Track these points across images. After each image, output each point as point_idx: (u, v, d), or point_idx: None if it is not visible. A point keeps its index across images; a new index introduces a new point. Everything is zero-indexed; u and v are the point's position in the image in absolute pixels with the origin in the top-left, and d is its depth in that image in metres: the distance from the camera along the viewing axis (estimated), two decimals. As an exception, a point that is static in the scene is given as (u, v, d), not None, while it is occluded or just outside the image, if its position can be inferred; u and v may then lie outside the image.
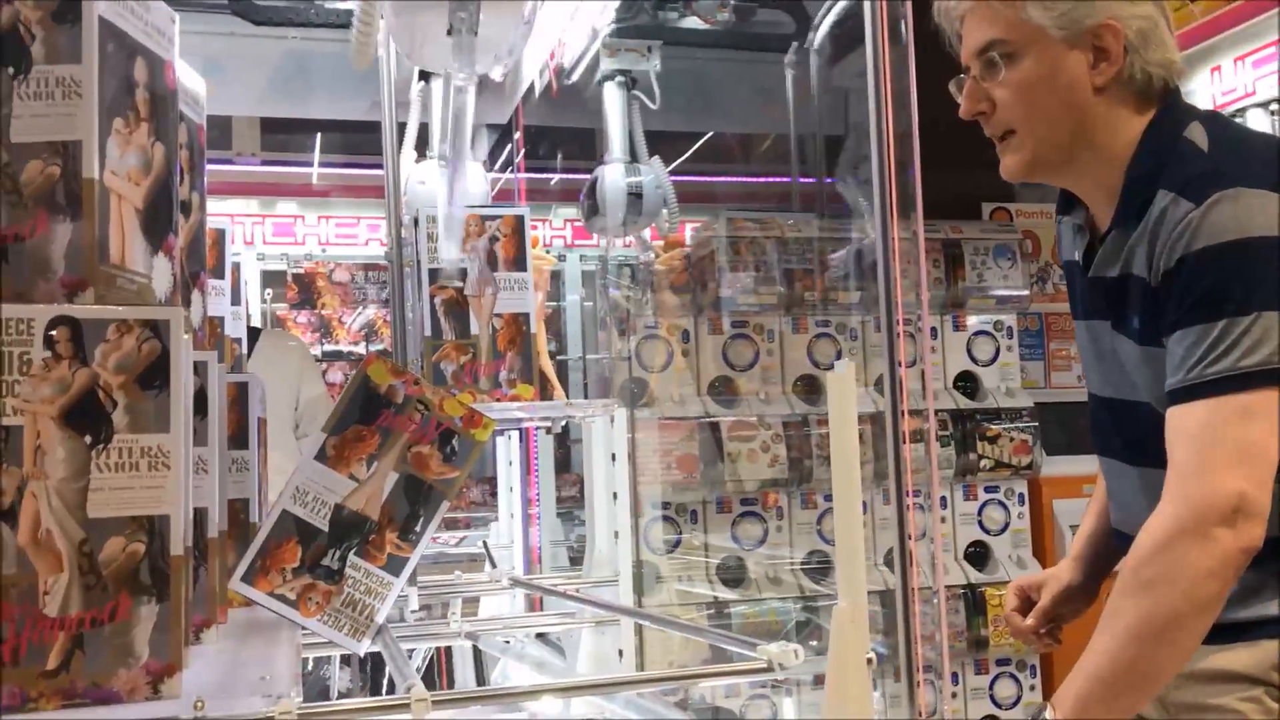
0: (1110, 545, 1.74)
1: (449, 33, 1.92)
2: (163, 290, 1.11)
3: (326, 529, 1.35)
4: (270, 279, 6.43)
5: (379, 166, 2.41)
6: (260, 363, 3.57)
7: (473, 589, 2.64)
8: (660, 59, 3.35)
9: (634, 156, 3.35)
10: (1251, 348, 1.37)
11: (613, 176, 3.29)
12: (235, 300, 1.73)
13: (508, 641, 2.59)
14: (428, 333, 2.12)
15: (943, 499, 3.53)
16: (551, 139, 5.35)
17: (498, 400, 2.11)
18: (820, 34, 3.68)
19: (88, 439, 0.97)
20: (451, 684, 3.73)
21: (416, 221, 2.19)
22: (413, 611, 2.25)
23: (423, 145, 2.97)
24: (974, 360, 3.70)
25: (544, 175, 5.70)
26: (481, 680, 3.18)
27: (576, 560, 3.79)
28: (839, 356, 3.51)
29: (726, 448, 3.34)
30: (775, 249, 3.50)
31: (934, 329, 3.64)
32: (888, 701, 2.86)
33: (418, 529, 1.37)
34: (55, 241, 1.00)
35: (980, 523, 3.60)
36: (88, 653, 0.97)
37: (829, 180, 3.99)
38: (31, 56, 1.01)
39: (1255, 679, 1.45)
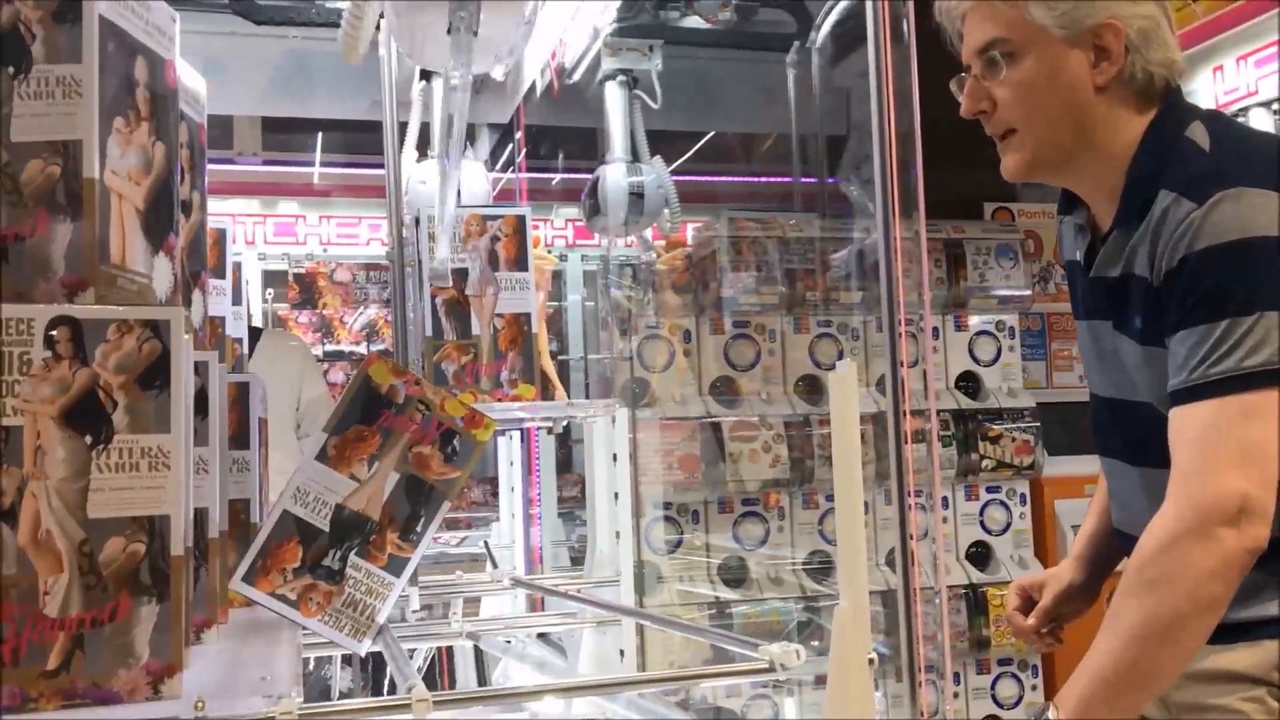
0: (1112, 545, 1.74)
1: (449, 31, 1.91)
2: (163, 290, 1.11)
3: (327, 529, 1.35)
4: (271, 279, 6.43)
5: (380, 166, 2.40)
6: (262, 362, 3.57)
7: (474, 589, 2.64)
8: (662, 58, 3.35)
9: (636, 156, 3.35)
10: (1254, 348, 1.37)
11: (614, 176, 3.29)
12: (236, 300, 1.73)
13: (509, 641, 2.59)
14: (429, 333, 2.12)
15: (944, 499, 3.53)
16: (553, 138, 5.35)
17: (499, 400, 2.11)
18: (822, 33, 3.67)
19: (88, 439, 0.97)
20: (453, 684, 3.73)
21: (418, 221, 2.18)
22: (414, 611, 2.25)
23: (424, 145, 2.97)
24: (976, 360, 3.70)
25: (545, 175, 5.70)
26: (483, 680, 3.18)
27: (578, 560, 3.79)
28: (841, 356, 3.50)
29: (728, 448, 3.33)
30: (777, 249, 3.49)
31: (936, 329, 3.64)
32: (889, 701, 2.86)
33: (419, 529, 1.37)
34: (55, 241, 1.00)
35: (982, 523, 3.60)
36: (88, 653, 0.97)
37: (831, 180, 3.98)
38: (32, 56, 1.01)
39: (1257, 679, 1.45)
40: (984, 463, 3.57)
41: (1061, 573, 1.81)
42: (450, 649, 3.63)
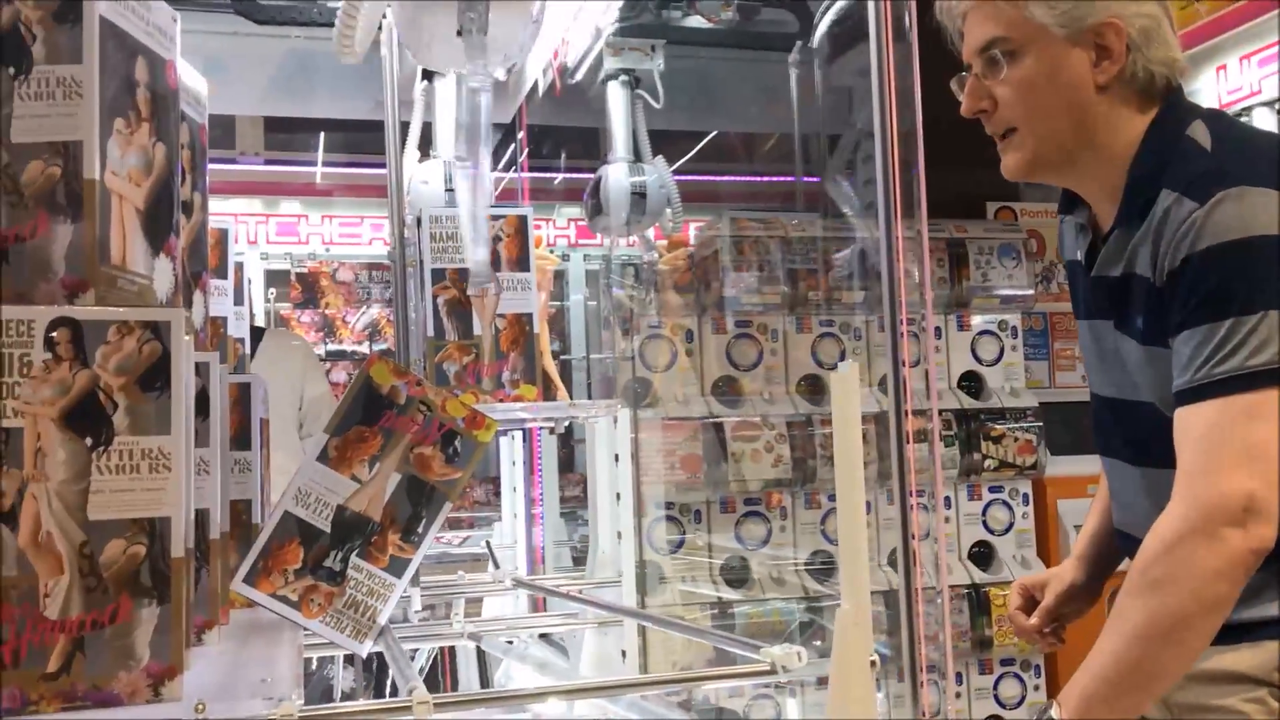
0: (1114, 545, 1.74)
1: (459, 34, 1.91)
2: (164, 291, 1.10)
3: (329, 530, 1.35)
4: (274, 278, 6.44)
5: (382, 166, 2.40)
6: (264, 362, 3.57)
7: (476, 589, 2.64)
8: (664, 58, 3.35)
9: (638, 156, 3.35)
10: (1258, 347, 1.36)
11: (616, 176, 3.29)
12: (238, 300, 1.73)
13: (510, 642, 2.59)
14: (430, 333, 2.12)
15: (947, 499, 3.52)
16: (555, 138, 5.35)
17: (501, 401, 2.11)
18: (818, 33, 3.67)
19: (88, 441, 0.97)
20: (455, 685, 3.73)
21: (419, 221, 2.18)
22: (416, 612, 2.25)
23: (426, 145, 2.97)
24: (978, 360, 3.70)
25: (548, 175, 5.70)
26: (485, 680, 3.18)
27: (580, 560, 3.79)
28: (843, 356, 3.50)
29: (730, 448, 3.33)
30: (779, 248, 3.49)
31: (938, 328, 3.63)
32: (891, 702, 2.86)
33: (420, 530, 1.37)
34: (56, 242, 1.00)
35: (984, 523, 3.59)
36: (88, 655, 0.97)
37: (815, 180, 3.98)
38: (32, 56, 1.01)
39: (1259, 680, 1.45)
40: (986, 462, 3.56)
41: (1063, 572, 1.80)
42: (453, 649, 3.63)
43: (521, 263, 2.17)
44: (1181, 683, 1.47)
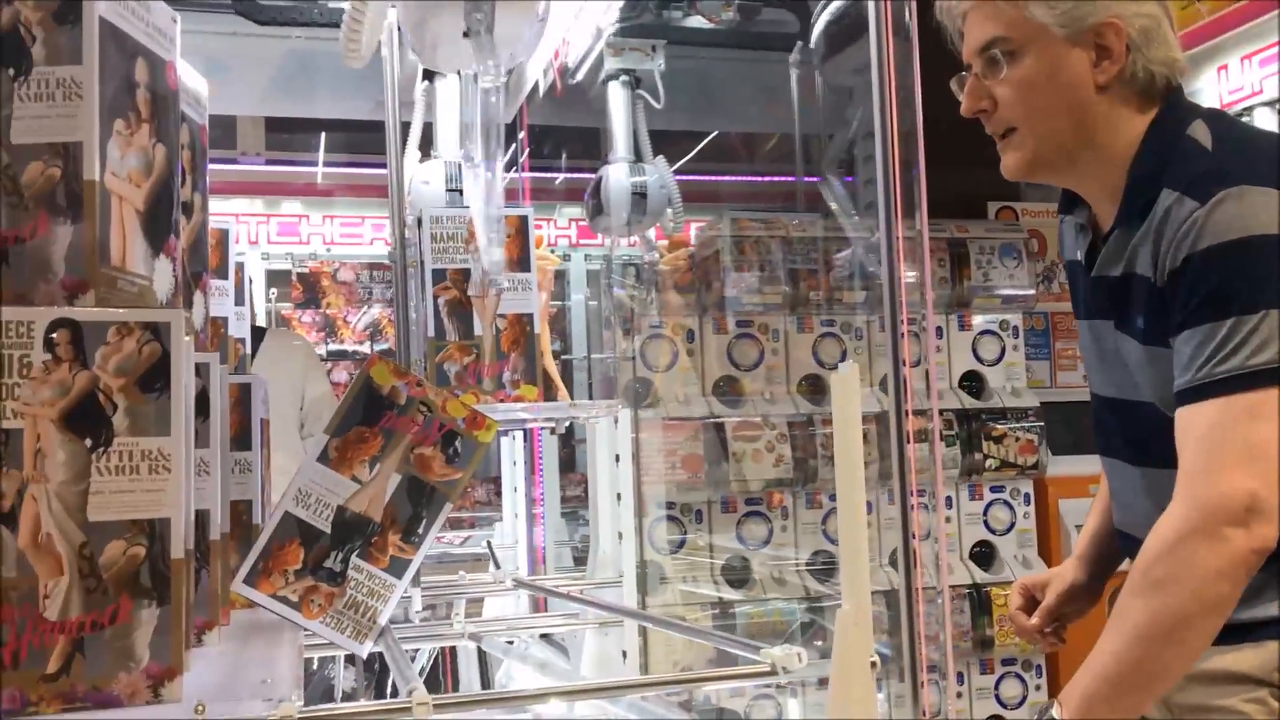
0: (1114, 545, 1.74)
1: (466, 34, 1.91)
2: (164, 292, 1.10)
3: (329, 531, 1.35)
4: (275, 278, 6.44)
5: (383, 166, 2.40)
6: (265, 362, 3.57)
7: (477, 590, 2.64)
8: (664, 58, 3.35)
9: (638, 156, 3.35)
10: (1260, 346, 1.36)
11: (617, 176, 3.29)
12: (239, 300, 1.73)
13: (511, 642, 2.59)
14: (431, 333, 2.12)
15: (948, 499, 3.52)
16: (556, 138, 5.36)
17: (501, 401, 2.11)
18: (815, 33, 3.67)
19: (88, 442, 0.97)
20: (456, 685, 3.73)
21: (420, 221, 2.18)
22: (417, 612, 2.25)
23: (426, 145, 2.97)
24: (979, 360, 3.69)
25: (548, 175, 5.70)
26: (486, 681, 3.18)
27: (581, 560, 3.79)
28: (844, 356, 3.50)
29: (731, 448, 3.33)
30: (780, 248, 3.49)
31: (939, 328, 3.63)
32: (892, 702, 2.85)
33: (420, 531, 1.37)
34: (56, 243, 1.00)
35: (985, 522, 3.59)
36: (88, 656, 0.97)
37: (810, 180, 3.98)
38: (32, 58, 1.01)
39: (1259, 680, 1.45)
40: (988, 462, 3.56)
41: (1064, 572, 1.80)
42: (453, 650, 3.63)
43: (522, 263, 2.17)
44: (1182, 683, 1.47)
